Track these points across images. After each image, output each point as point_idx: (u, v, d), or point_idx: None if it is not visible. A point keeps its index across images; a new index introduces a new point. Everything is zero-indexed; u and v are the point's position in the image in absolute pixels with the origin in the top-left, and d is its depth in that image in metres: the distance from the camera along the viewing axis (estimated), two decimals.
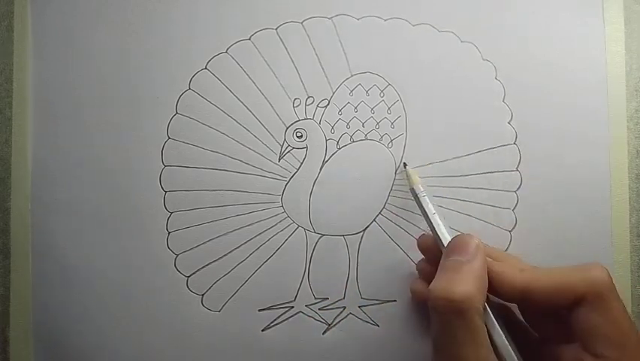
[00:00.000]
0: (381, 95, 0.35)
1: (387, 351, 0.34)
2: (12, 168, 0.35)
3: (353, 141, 0.35)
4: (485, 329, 0.26)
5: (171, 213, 0.34)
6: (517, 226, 0.35)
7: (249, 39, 0.35)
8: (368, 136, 0.35)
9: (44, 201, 0.35)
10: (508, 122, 0.35)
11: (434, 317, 0.27)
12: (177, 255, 0.34)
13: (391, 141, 0.35)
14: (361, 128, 0.35)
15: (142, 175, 0.35)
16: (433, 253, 0.32)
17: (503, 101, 0.35)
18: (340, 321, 0.34)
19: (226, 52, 0.35)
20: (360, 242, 0.35)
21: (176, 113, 0.35)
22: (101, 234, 0.34)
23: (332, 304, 0.35)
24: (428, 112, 0.35)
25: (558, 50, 0.36)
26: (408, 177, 0.33)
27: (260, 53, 0.35)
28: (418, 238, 0.33)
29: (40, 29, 0.35)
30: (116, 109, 0.35)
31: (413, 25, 0.36)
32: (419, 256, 0.34)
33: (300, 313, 0.34)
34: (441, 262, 0.29)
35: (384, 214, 0.35)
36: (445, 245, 0.30)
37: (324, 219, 0.35)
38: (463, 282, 0.26)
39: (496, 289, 0.28)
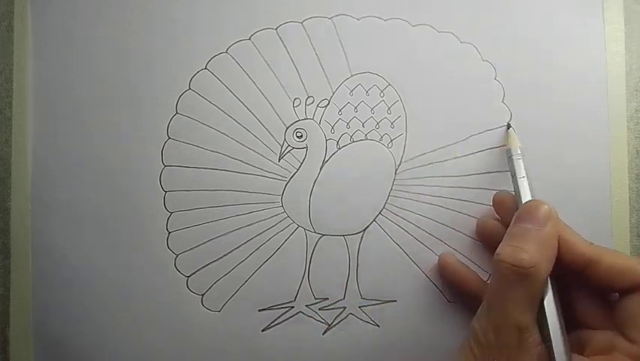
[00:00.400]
0: (381, 95, 0.35)
1: (388, 351, 0.34)
2: (12, 168, 0.35)
3: (353, 141, 0.35)
4: (541, 297, 0.27)
5: (171, 213, 0.34)
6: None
7: (249, 39, 0.35)
8: (368, 136, 0.35)
9: (44, 201, 0.35)
10: (508, 123, 0.35)
11: (496, 275, 0.27)
12: (177, 255, 0.34)
13: (391, 141, 0.35)
14: (361, 128, 0.35)
15: (142, 175, 0.35)
16: (506, 209, 0.32)
17: (503, 101, 0.35)
18: (340, 321, 0.34)
19: (226, 52, 0.35)
20: (360, 242, 0.35)
21: (176, 113, 0.35)
22: (101, 234, 0.34)
23: (332, 304, 0.35)
24: (428, 112, 0.35)
25: (558, 50, 0.36)
26: (509, 137, 0.34)
27: (260, 53, 0.35)
28: (495, 193, 0.33)
29: (40, 29, 0.35)
30: (116, 109, 0.35)
31: (413, 26, 0.36)
32: (419, 255, 0.34)
33: (300, 314, 0.34)
34: (510, 227, 0.29)
35: (384, 214, 0.35)
36: None
37: (324, 219, 0.35)
38: (530, 250, 0.27)
39: (563, 256, 0.28)
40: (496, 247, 0.28)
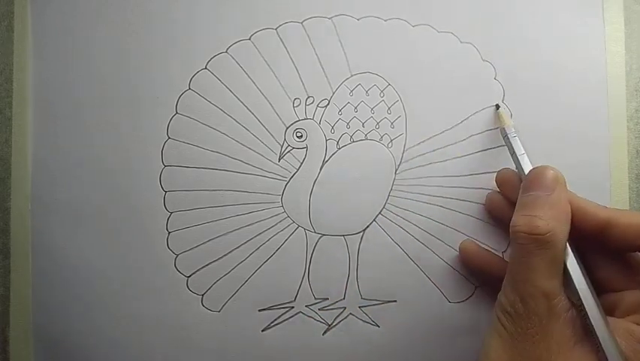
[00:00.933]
0: (381, 95, 0.35)
1: (387, 351, 0.34)
2: (12, 168, 0.35)
3: (353, 141, 0.35)
4: (563, 262, 0.27)
5: (171, 213, 0.34)
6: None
7: (249, 39, 0.35)
8: (368, 136, 0.35)
9: (44, 201, 0.35)
10: None
11: (515, 246, 0.27)
12: (177, 255, 0.34)
13: (391, 141, 0.35)
14: (361, 128, 0.35)
15: (142, 175, 0.35)
16: (512, 186, 0.32)
17: (503, 101, 0.35)
18: (340, 321, 0.34)
19: (226, 52, 0.35)
20: (360, 242, 0.35)
21: (176, 113, 0.35)
22: (101, 234, 0.34)
23: (332, 304, 0.35)
24: (428, 112, 0.35)
25: (558, 50, 0.36)
26: (500, 117, 0.34)
27: (260, 53, 0.35)
28: (498, 171, 0.33)
29: (40, 29, 0.35)
30: (116, 109, 0.35)
31: (413, 26, 0.36)
32: (419, 255, 0.34)
33: (300, 314, 0.34)
34: (519, 197, 0.29)
35: (384, 214, 0.35)
36: None
37: (324, 219, 0.35)
38: (544, 216, 0.27)
39: (578, 222, 0.28)
40: (506, 221, 0.29)
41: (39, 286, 0.34)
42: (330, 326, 0.34)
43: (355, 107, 0.35)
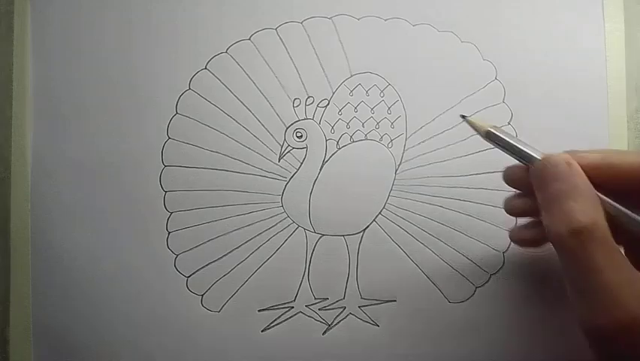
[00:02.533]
0: (381, 95, 0.35)
1: (387, 351, 0.34)
2: (12, 168, 0.35)
3: (353, 141, 0.35)
4: (619, 248, 0.24)
5: (171, 213, 0.34)
6: (517, 226, 0.35)
7: (249, 39, 0.35)
8: (368, 136, 0.35)
9: (44, 201, 0.35)
10: (509, 123, 0.35)
11: (564, 254, 0.24)
12: (177, 255, 0.34)
13: (391, 141, 0.35)
14: (361, 128, 0.35)
15: (142, 175, 0.35)
16: (524, 183, 0.29)
17: (503, 101, 0.35)
18: (340, 321, 0.34)
19: (226, 52, 0.35)
20: (360, 242, 0.35)
21: (176, 113, 0.35)
22: (101, 234, 0.34)
23: (332, 304, 0.35)
24: (428, 112, 0.35)
25: (558, 50, 0.36)
26: (474, 124, 0.30)
27: (260, 53, 0.35)
28: (504, 170, 0.30)
29: (40, 29, 0.35)
30: (116, 109, 0.35)
31: (413, 25, 0.36)
32: (419, 255, 0.34)
33: (300, 314, 0.34)
34: (541, 197, 0.26)
35: (384, 214, 0.35)
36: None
37: (324, 219, 0.35)
38: (578, 209, 0.24)
39: (618, 178, 0.26)
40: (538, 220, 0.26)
41: (39, 286, 0.34)
42: (330, 325, 0.35)
43: (355, 107, 0.35)
